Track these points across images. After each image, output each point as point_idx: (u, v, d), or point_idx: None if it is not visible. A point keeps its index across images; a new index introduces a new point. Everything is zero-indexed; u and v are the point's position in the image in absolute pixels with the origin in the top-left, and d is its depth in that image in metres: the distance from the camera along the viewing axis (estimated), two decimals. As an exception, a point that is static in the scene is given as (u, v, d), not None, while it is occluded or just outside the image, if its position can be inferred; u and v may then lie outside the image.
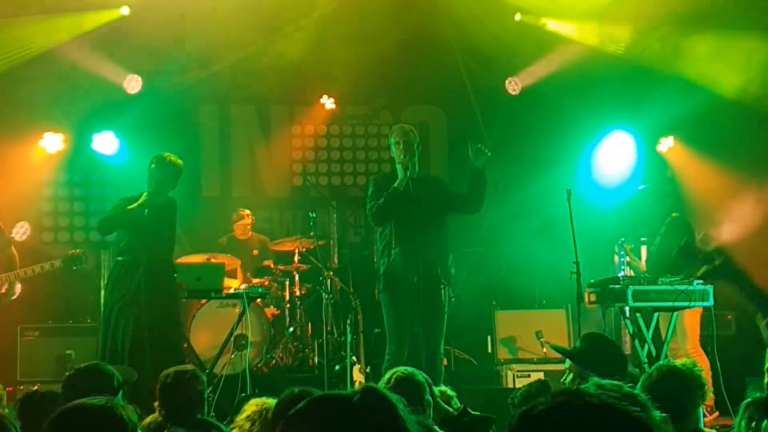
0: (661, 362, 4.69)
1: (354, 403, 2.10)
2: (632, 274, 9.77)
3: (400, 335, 8.38)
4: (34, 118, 11.66)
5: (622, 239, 9.90)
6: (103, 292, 10.94)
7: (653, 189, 10.33)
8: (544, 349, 10.81)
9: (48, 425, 2.82)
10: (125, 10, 11.49)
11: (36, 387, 5.20)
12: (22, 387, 9.96)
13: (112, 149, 11.97)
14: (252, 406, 4.88)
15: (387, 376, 5.47)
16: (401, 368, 5.55)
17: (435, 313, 8.35)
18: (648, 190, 10.30)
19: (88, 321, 11.01)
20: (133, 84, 12.18)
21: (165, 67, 12.08)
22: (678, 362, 4.92)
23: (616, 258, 10.11)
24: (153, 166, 8.70)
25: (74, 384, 4.91)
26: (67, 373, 5.29)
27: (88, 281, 11.71)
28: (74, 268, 9.88)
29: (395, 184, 8.41)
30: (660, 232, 9.82)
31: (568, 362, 5.68)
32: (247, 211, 12.04)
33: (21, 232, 11.48)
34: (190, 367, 5.90)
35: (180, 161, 8.79)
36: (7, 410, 5.85)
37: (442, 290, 8.42)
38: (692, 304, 8.93)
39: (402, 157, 8.48)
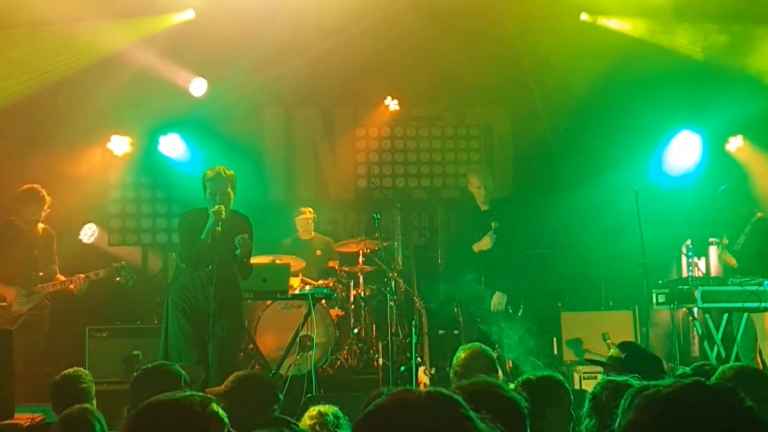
0: (734, 363, 4.56)
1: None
2: (700, 274, 9.64)
3: None
4: (101, 121, 11.81)
5: (723, 235, 9.74)
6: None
7: (735, 189, 10.15)
8: (612, 351, 10.67)
9: (130, 421, 2.81)
10: (191, 14, 11.60)
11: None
12: (91, 387, 10.06)
13: (178, 152, 12.10)
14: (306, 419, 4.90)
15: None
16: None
17: None
18: (729, 189, 10.13)
19: (155, 322, 11.08)
20: (198, 87, 12.28)
21: (230, 71, 12.15)
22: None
23: (684, 259, 9.98)
24: (204, 183, 8.57)
25: (142, 384, 4.96)
26: (135, 373, 5.35)
27: (154, 283, 11.84)
28: (117, 279, 10.01)
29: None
30: (744, 232, 9.65)
31: None
32: (309, 209, 12.04)
33: (89, 234, 11.65)
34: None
35: (227, 171, 8.58)
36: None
37: None
38: (763, 305, 8.78)
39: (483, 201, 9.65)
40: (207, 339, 8.32)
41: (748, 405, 2.06)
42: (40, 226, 9.72)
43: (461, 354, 6.24)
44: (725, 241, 9.71)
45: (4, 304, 9.35)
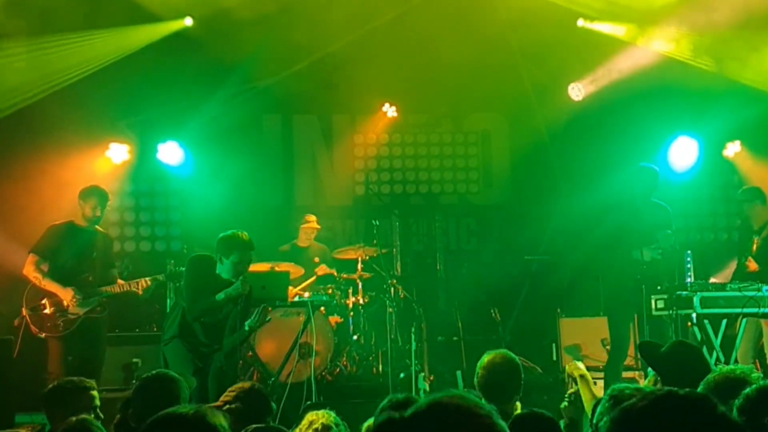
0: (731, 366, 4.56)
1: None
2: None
3: None
4: (100, 129, 11.80)
5: (755, 236, 9.75)
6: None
7: (754, 191, 10.16)
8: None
9: None
10: (189, 21, 11.63)
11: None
12: (91, 395, 10.04)
13: (177, 159, 12.11)
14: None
15: None
16: None
17: None
18: (748, 191, 10.14)
19: (155, 330, 11.09)
20: (198, 94, 12.25)
21: (228, 78, 12.16)
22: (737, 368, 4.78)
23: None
24: (228, 247, 8.04)
25: (145, 391, 4.99)
26: (134, 381, 5.38)
27: (153, 290, 11.80)
28: (177, 284, 9.97)
29: None
30: (762, 236, 9.67)
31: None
32: (314, 217, 12.03)
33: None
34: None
35: (244, 236, 8.11)
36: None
37: None
38: (761, 310, 8.79)
39: None
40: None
41: (721, 411, 2.13)
42: (99, 228, 9.70)
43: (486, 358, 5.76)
44: (756, 240, 9.70)
45: (47, 312, 9.27)
